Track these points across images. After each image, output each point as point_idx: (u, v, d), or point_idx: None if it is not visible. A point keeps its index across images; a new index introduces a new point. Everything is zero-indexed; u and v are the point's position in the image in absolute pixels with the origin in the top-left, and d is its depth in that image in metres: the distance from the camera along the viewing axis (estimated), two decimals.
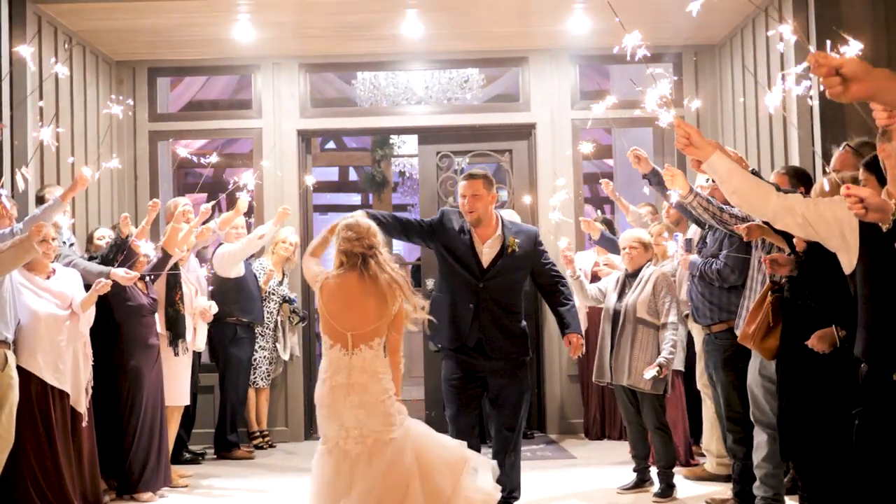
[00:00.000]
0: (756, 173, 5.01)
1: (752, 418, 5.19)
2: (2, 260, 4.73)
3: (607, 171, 12.85)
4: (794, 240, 4.34)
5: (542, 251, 5.38)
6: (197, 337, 6.94)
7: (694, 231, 6.05)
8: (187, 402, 6.86)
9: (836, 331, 4.22)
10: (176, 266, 6.55)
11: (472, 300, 5.14)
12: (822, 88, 2.69)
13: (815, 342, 4.29)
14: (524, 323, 5.33)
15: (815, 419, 4.38)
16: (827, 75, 2.58)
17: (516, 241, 5.21)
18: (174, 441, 6.84)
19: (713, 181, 5.41)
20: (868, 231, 3.31)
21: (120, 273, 5.94)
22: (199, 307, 6.90)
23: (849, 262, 3.47)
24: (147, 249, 6.10)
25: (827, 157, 5.46)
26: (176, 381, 6.60)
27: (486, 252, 5.19)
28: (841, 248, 3.49)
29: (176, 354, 6.56)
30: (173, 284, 6.60)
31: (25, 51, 5.30)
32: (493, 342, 5.16)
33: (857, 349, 3.45)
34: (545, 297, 5.49)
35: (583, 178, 8.68)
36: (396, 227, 5.18)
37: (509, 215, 7.51)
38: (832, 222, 3.45)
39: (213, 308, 7.03)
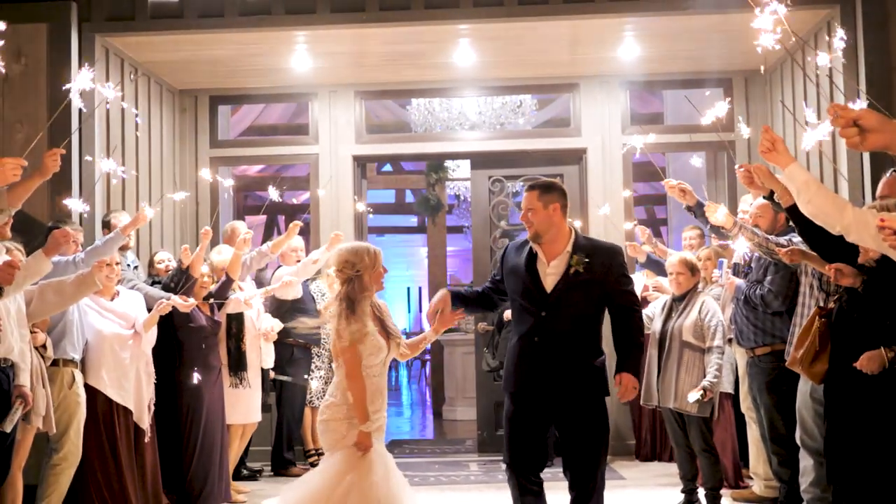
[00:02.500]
0: None
1: (798, 442, 5.19)
2: (65, 293, 5.11)
3: (662, 194, 12.88)
4: (863, 252, 4.30)
5: (621, 275, 4.46)
6: (264, 356, 7.16)
7: (739, 256, 6.09)
8: (258, 418, 7.09)
9: (885, 352, 4.24)
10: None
11: (535, 334, 4.38)
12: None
13: (864, 363, 4.29)
14: (603, 356, 4.47)
15: (863, 443, 4.35)
16: (845, 126, 2.68)
17: (584, 259, 4.37)
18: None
19: (755, 207, 5.55)
20: None
21: (178, 300, 6.17)
22: (262, 328, 7.12)
23: None
24: (205, 269, 6.33)
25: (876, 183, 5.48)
26: (244, 400, 6.82)
27: (551, 274, 4.40)
28: None
29: (235, 387, 6.74)
30: (235, 317, 6.81)
31: (85, 78, 4.69)
32: (561, 382, 4.37)
33: None
34: (612, 327, 4.52)
35: (635, 201, 8.72)
36: (481, 303, 4.79)
37: None
38: None
39: (277, 326, 7.24)
